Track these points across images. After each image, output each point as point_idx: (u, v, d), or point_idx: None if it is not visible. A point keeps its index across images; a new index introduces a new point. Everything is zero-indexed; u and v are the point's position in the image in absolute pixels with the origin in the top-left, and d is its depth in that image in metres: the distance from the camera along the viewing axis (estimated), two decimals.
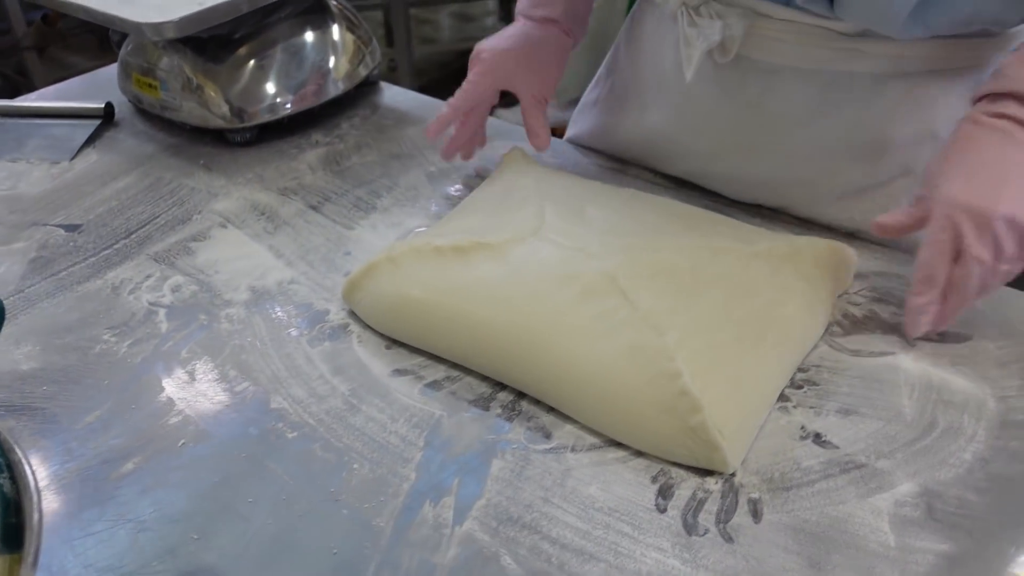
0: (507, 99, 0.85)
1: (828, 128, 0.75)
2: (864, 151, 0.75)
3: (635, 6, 0.92)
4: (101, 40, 3.14)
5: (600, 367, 0.58)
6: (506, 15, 3.43)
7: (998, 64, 0.65)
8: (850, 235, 0.77)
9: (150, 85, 0.97)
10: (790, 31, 0.72)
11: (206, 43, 0.95)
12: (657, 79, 0.85)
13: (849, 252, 0.69)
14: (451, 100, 0.83)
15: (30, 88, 2.58)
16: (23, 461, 0.47)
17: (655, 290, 0.62)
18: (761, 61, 0.75)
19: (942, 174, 0.62)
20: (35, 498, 0.45)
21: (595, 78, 0.97)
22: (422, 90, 1.11)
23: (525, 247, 0.68)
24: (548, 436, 0.59)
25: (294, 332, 0.69)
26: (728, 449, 0.55)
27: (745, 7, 0.73)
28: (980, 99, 0.65)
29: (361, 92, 1.06)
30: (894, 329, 0.67)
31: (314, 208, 0.85)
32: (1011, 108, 0.62)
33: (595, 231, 0.70)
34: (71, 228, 0.82)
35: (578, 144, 0.95)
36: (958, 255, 0.61)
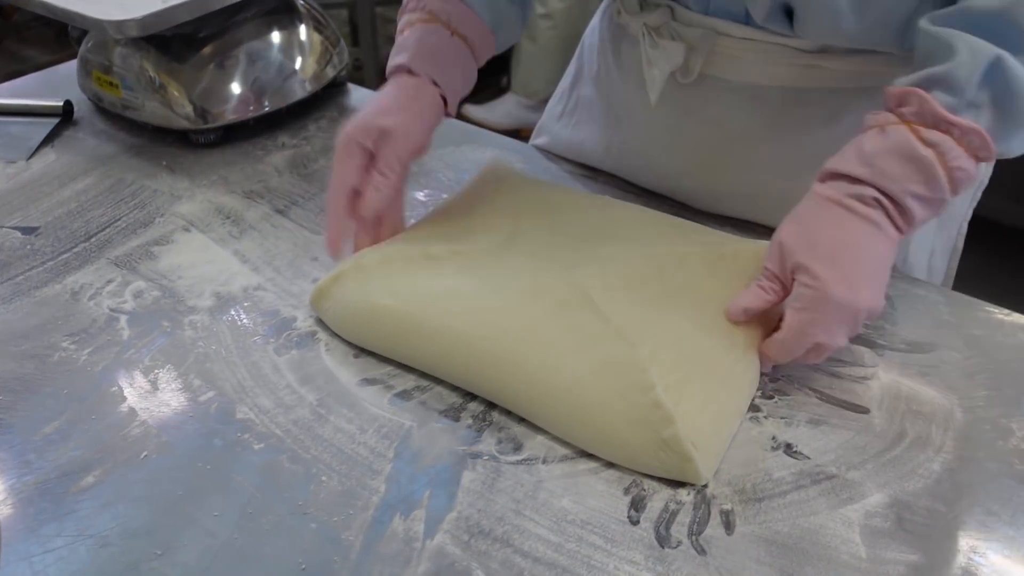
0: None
1: (792, 144, 0.76)
2: None
3: (595, 20, 0.91)
4: (58, 34, 3.07)
5: (573, 380, 0.58)
6: None
7: (853, 142, 0.61)
8: None
9: (111, 84, 0.95)
10: (751, 49, 0.72)
11: (170, 41, 0.93)
12: (622, 98, 0.85)
13: None
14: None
15: None
16: None
17: (627, 301, 0.62)
18: (724, 79, 0.75)
19: (803, 254, 0.59)
20: None
21: (560, 90, 0.96)
22: None
23: (497, 256, 0.68)
24: (519, 448, 0.58)
25: (260, 340, 0.67)
26: (701, 461, 0.54)
27: (705, 27, 0.73)
28: (836, 176, 0.61)
29: (328, 93, 1.04)
30: (863, 339, 0.67)
31: (280, 212, 0.83)
32: (870, 192, 0.59)
33: (568, 241, 0.69)
34: (28, 231, 0.80)
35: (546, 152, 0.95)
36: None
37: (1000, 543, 0.53)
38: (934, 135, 0.57)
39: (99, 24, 0.84)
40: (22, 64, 2.89)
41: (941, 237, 0.82)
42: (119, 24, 0.83)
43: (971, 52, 0.56)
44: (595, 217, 0.73)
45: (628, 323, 0.60)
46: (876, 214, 0.59)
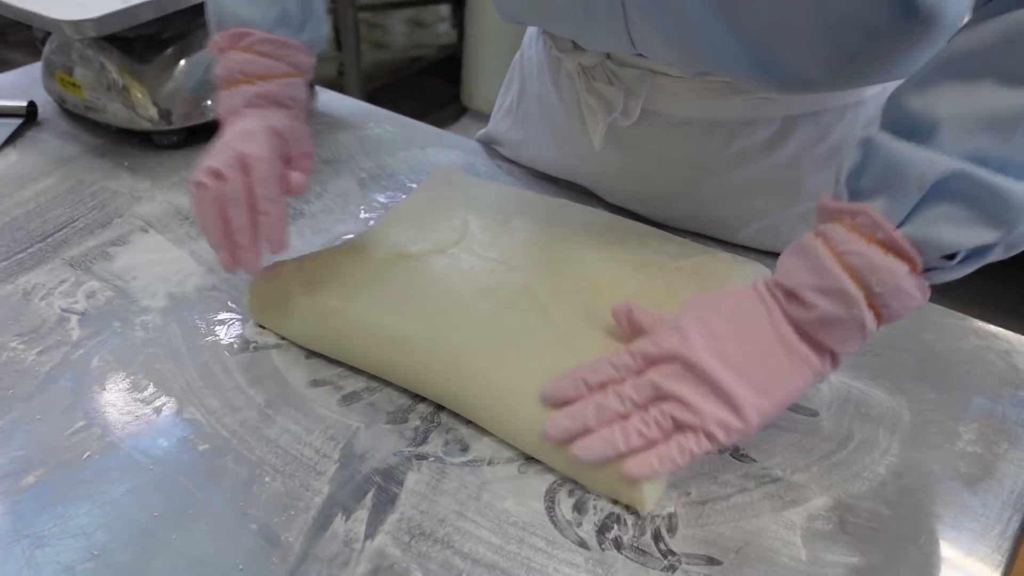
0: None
1: (740, 169, 0.75)
2: (779, 188, 0.75)
3: (526, 44, 0.89)
4: (45, 37, 3.06)
5: (518, 385, 0.57)
6: (458, 22, 3.43)
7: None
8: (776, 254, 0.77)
9: (74, 84, 0.94)
10: (691, 88, 0.71)
11: (133, 42, 0.92)
12: (564, 126, 0.83)
13: (767, 272, 0.69)
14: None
15: None
16: None
17: (575, 306, 0.62)
18: (666, 115, 0.74)
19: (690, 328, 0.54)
20: None
21: (504, 104, 0.94)
22: (372, 95, 1.10)
23: (446, 258, 0.67)
24: (465, 449, 0.58)
25: (212, 340, 0.67)
26: (647, 488, 0.53)
27: (641, 67, 0.71)
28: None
29: None
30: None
31: None
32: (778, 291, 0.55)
33: (519, 243, 0.69)
34: None
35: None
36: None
37: (943, 544, 0.53)
38: (825, 226, 0.53)
39: (56, 24, 0.83)
40: (5, 67, 2.88)
41: None
42: (76, 24, 0.82)
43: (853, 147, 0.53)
44: (550, 220, 0.73)
45: (575, 330, 0.60)
46: (770, 301, 0.55)
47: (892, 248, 0.50)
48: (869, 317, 0.51)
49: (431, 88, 3.15)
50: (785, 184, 0.75)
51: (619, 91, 0.73)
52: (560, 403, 0.55)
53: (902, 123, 0.50)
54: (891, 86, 0.55)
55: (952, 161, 0.47)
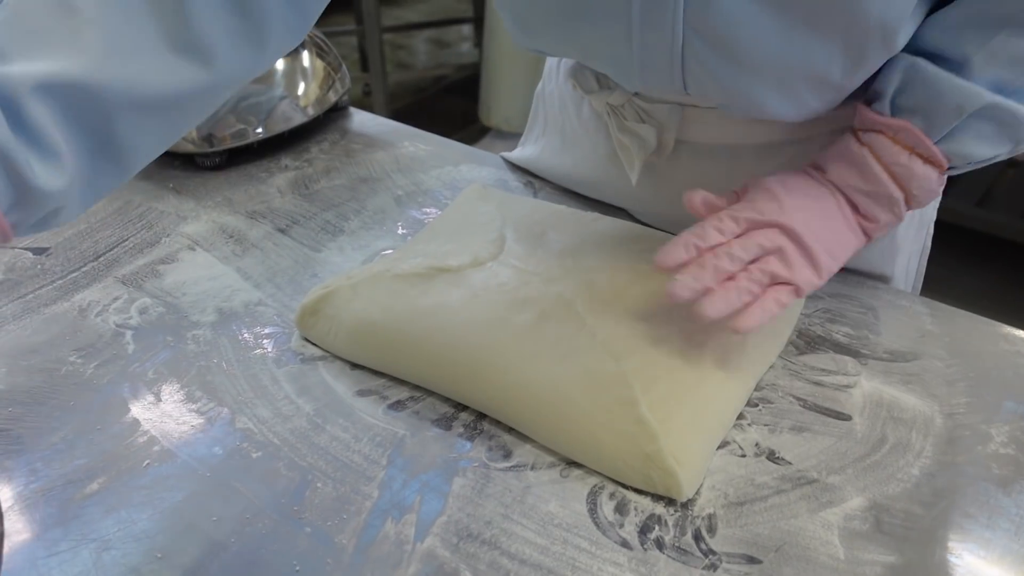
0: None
1: None
2: None
3: (550, 67, 0.89)
4: None
5: (558, 392, 0.59)
6: (481, 40, 3.48)
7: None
8: None
9: None
10: (720, 114, 0.72)
11: None
12: (592, 163, 0.84)
13: None
14: None
15: None
16: None
17: (613, 315, 0.64)
18: (698, 143, 0.75)
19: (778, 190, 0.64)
20: None
21: (525, 136, 0.95)
22: (396, 114, 1.12)
23: (484, 272, 0.70)
24: (508, 455, 0.60)
25: (260, 353, 0.69)
26: (684, 477, 0.55)
27: (670, 102, 0.72)
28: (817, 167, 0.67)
29: (330, 117, 1.07)
30: (847, 349, 0.69)
31: (282, 231, 0.86)
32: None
33: (555, 255, 0.71)
34: (39, 251, 0.83)
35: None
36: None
37: (976, 544, 0.54)
38: (869, 136, 0.64)
39: None
40: None
41: (911, 238, 0.83)
42: None
43: (889, 63, 0.63)
44: (584, 233, 0.75)
45: (613, 336, 0.62)
46: (829, 184, 0.66)
47: (929, 160, 0.63)
48: (904, 209, 0.65)
49: (454, 107, 3.19)
50: None
51: (652, 128, 0.74)
52: (673, 268, 0.61)
53: (936, 55, 0.61)
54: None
55: (986, 95, 0.60)
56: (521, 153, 0.96)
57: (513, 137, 2.73)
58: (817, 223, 0.63)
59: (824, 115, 0.69)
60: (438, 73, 3.38)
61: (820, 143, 0.72)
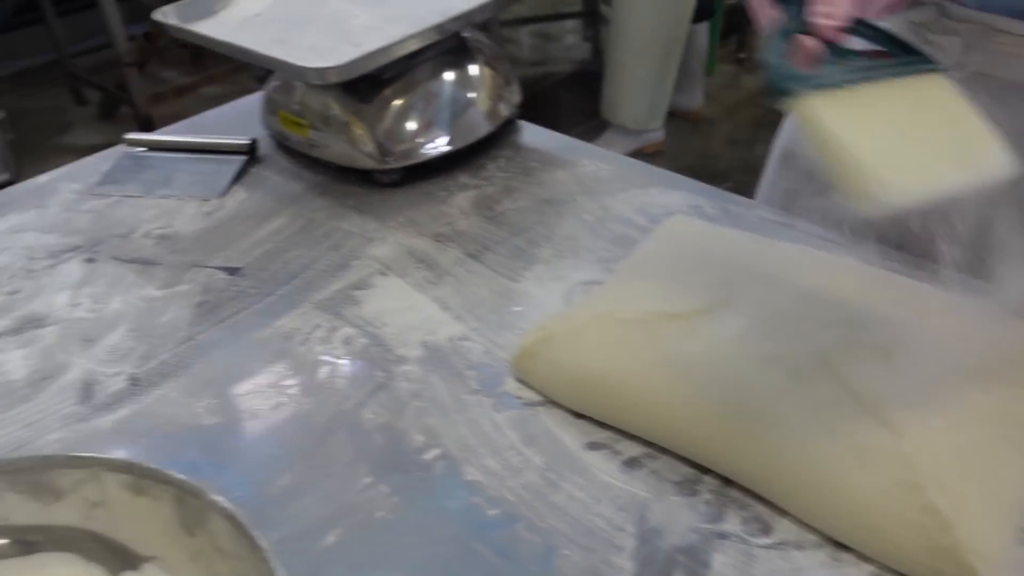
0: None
1: None
2: None
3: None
4: (193, 56, 3.21)
5: (822, 467, 0.54)
6: (592, 34, 3.42)
7: None
8: None
9: (298, 123, 0.96)
10: None
11: (356, 83, 0.94)
12: None
13: None
14: None
15: (130, 102, 2.65)
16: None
17: (876, 377, 0.58)
18: (995, 77, 0.69)
19: None
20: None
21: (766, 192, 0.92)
22: None
23: (716, 319, 0.65)
24: (768, 530, 0.56)
25: (475, 395, 0.67)
26: (979, 565, 0.49)
27: (982, 23, 0.68)
28: None
29: (501, 132, 1.04)
30: None
31: (473, 257, 0.83)
32: None
33: (791, 301, 0.66)
34: (231, 271, 0.82)
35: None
36: None
37: None
38: None
39: (300, 71, 0.85)
40: (162, 86, 3.03)
41: None
42: (320, 71, 0.84)
43: None
44: (816, 274, 0.69)
45: (883, 404, 0.56)
46: None
47: None
48: None
49: (566, 102, 3.15)
50: None
51: (956, 41, 0.69)
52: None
53: None
54: None
55: None
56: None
57: (635, 135, 2.71)
58: None
59: None
60: (549, 68, 3.34)
61: None
